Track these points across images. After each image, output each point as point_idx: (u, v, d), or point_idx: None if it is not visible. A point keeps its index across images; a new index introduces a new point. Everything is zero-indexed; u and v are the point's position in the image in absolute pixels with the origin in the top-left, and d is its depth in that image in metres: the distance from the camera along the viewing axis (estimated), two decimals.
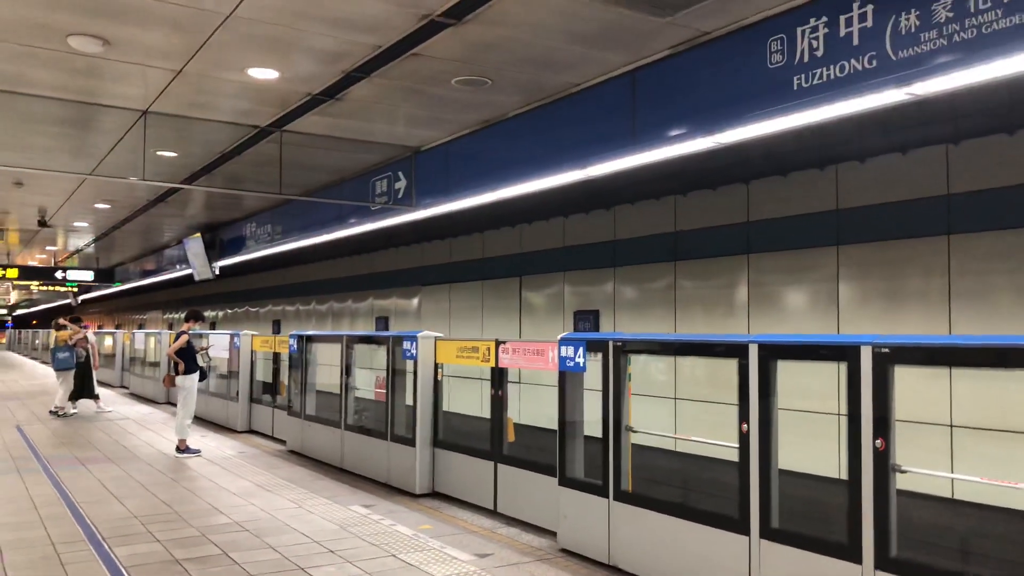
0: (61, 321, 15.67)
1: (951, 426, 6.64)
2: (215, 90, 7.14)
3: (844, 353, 4.40)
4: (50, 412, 14.90)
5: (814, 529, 4.68)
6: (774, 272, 9.51)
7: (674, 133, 5.99)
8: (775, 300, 9.48)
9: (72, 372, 15.04)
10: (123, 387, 22.11)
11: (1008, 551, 5.60)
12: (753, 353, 4.88)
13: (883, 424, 4.19)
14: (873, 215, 8.27)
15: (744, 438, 4.90)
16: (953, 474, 6.36)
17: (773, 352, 4.83)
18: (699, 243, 10.46)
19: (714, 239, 10.24)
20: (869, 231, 8.34)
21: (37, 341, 36.23)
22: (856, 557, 4.26)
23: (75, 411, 15.22)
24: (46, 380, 24.34)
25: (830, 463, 7.10)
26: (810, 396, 7.55)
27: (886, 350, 4.19)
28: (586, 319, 12.27)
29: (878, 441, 4.20)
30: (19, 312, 70.20)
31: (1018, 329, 6.39)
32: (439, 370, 8.32)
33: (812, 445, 7.53)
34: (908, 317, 7.70)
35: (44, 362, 35.53)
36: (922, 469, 4.34)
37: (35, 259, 24.78)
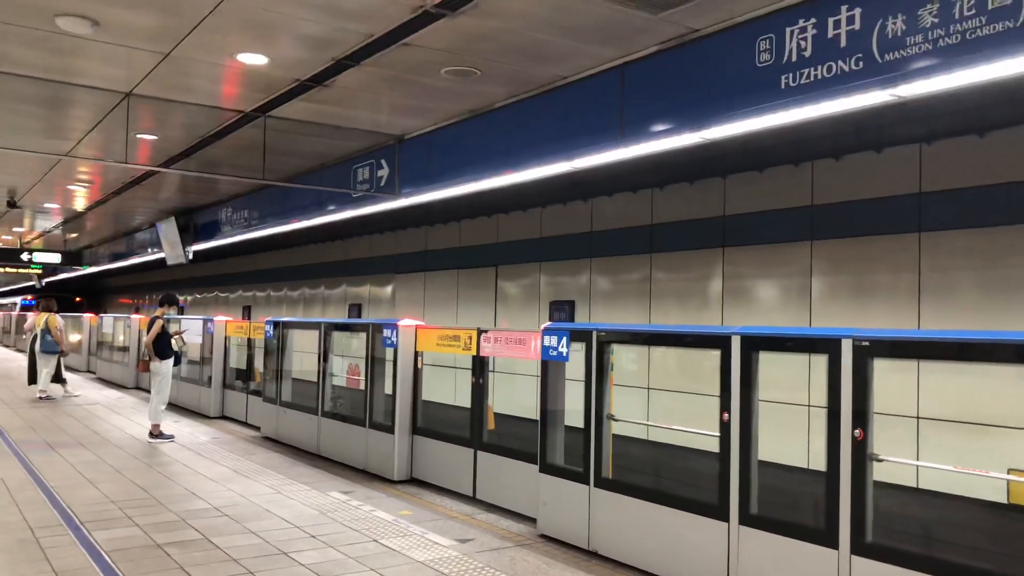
0: (50, 304, 15.45)
1: (917, 418, 6.85)
2: (202, 74, 7.10)
3: (825, 346, 4.54)
4: (39, 398, 14.71)
5: (790, 515, 4.83)
6: (748, 266, 9.67)
7: (661, 128, 6.09)
8: (749, 293, 9.65)
9: (57, 356, 14.93)
10: (90, 371, 21.84)
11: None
12: (736, 344, 5.01)
13: (861, 416, 4.34)
14: (847, 211, 8.44)
15: (725, 427, 5.03)
16: (919, 462, 6.57)
17: (755, 344, 4.96)
18: (675, 236, 10.60)
19: (690, 232, 10.39)
20: (842, 227, 8.52)
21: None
22: (833, 542, 4.41)
23: (76, 394, 15.37)
24: (9, 364, 23.95)
25: (800, 452, 7.29)
26: (781, 387, 7.73)
27: (866, 343, 4.33)
28: (562, 309, 12.39)
29: (857, 432, 4.34)
30: None
31: (978, 323, 6.63)
32: (419, 358, 8.37)
33: (784, 435, 7.72)
34: (877, 311, 7.90)
35: (6, 345, 34.91)
36: (896, 458, 4.49)
37: (0, 240, 24.32)
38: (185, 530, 6.31)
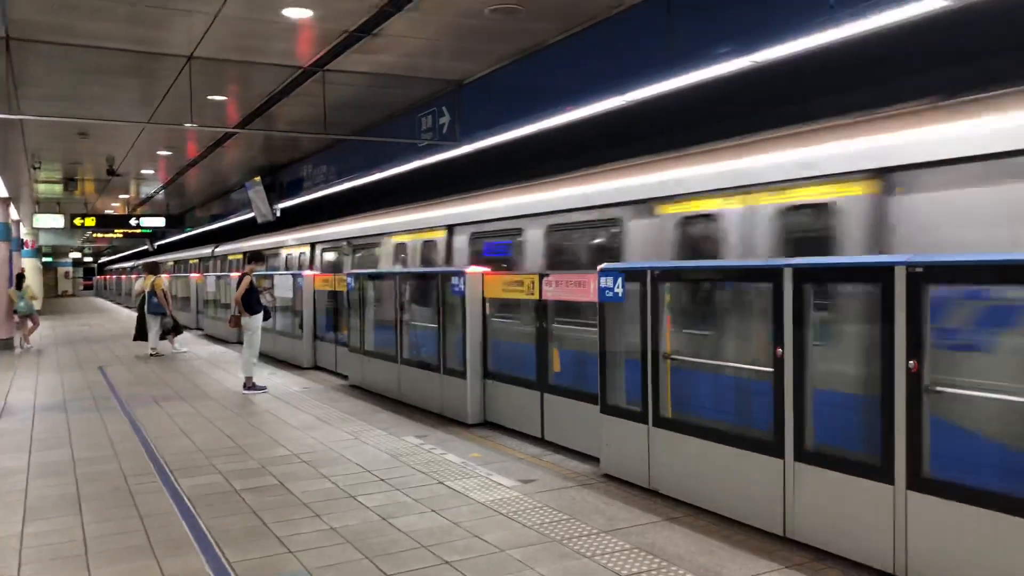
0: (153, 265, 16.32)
1: None
2: (254, 32, 7.21)
3: (876, 275, 4.30)
4: (149, 355, 15.60)
5: (844, 451, 4.64)
6: None
7: (713, 53, 5.81)
8: None
9: (163, 316, 15.75)
10: (198, 328, 22.98)
11: None
12: (787, 277, 4.80)
13: (916, 346, 4.11)
14: None
15: (779, 363, 4.86)
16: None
17: (807, 276, 4.75)
18: None
19: None
20: None
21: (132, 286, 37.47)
22: (888, 478, 4.22)
23: (184, 350, 16.22)
24: (128, 323, 25.45)
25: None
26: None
27: (919, 270, 4.08)
28: None
29: (911, 362, 4.12)
30: (104, 259, 73.14)
31: None
32: (486, 304, 8.41)
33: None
34: None
35: (127, 306, 37.12)
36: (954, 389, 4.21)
37: (111, 208, 25.70)
38: (264, 476, 6.60)
